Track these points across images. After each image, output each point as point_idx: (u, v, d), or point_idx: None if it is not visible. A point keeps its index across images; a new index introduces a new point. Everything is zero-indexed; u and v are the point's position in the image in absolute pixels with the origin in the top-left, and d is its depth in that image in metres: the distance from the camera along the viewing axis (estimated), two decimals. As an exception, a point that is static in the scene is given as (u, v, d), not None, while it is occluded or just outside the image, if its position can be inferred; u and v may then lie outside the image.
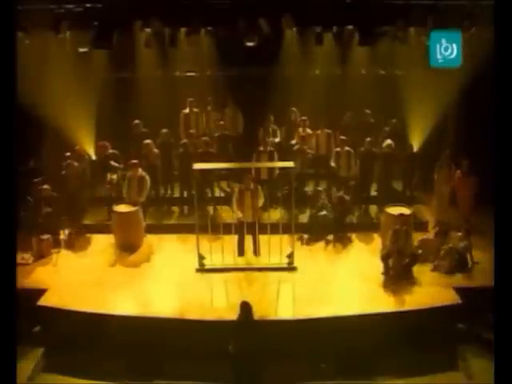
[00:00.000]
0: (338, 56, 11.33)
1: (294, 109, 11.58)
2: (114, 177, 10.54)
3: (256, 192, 9.16)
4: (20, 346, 6.57)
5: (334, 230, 10.04)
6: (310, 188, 11.10)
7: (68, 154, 10.50)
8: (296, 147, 10.78)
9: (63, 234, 10.08)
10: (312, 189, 10.92)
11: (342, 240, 9.96)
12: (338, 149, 10.61)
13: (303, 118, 11.32)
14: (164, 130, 10.95)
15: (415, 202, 10.73)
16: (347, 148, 10.56)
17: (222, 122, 11.45)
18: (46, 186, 9.91)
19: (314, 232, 10.00)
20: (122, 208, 9.86)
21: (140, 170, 9.99)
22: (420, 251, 9.03)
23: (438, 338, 7.75)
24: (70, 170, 10.25)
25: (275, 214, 10.11)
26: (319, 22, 9.63)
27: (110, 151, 10.80)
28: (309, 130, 11.20)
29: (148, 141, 10.72)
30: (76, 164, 10.38)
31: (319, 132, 11.11)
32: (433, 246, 9.26)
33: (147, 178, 10.01)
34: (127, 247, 9.77)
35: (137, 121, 11.24)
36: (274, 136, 11.29)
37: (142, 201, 9.95)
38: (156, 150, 10.66)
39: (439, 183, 10.39)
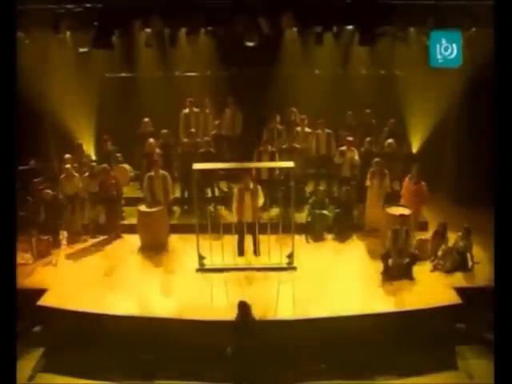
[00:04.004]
0: (338, 56, 11.31)
1: (293, 109, 11.57)
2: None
3: (256, 192, 9.15)
4: (20, 346, 6.59)
5: (334, 228, 10.07)
6: (309, 188, 11.10)
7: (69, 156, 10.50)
8: (289, 145, 10.77)
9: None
10: (312, 188, 10.93)
11: (342, 239, 9.98)
12: (344, 148, 10.61)
13: (302, 116, 11.31)
14: (164, 131, 10.98)
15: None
16: (352, 148, 10.56)
17: (216, 122, 11.40)
18: (48, 191, 9.81)
19: (313, 230, 10.02)
20: (146, 207, 9.84)
21: (161, 169, 9.97)
22: (417, 251, 9.03)
23: (438, 337, 7.76)
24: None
25: (275, 214, 10.11)
26: (319, 21, 9.63)
27: (110, 147, 10.81)
28: (308, 129, 11.19)
29: (151, 140, 10.75)
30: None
31: (319, 132, 11.10)
32: (430, 246, 9.26)
33: (169, 176, 10.01)
34: (151, 247, 9.76)
35: (146, 119, 11.25)
36: (279, 136, 11.28)
37: (169, 199, 9.98)
38: (159, 150, 10.68)
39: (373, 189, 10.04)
